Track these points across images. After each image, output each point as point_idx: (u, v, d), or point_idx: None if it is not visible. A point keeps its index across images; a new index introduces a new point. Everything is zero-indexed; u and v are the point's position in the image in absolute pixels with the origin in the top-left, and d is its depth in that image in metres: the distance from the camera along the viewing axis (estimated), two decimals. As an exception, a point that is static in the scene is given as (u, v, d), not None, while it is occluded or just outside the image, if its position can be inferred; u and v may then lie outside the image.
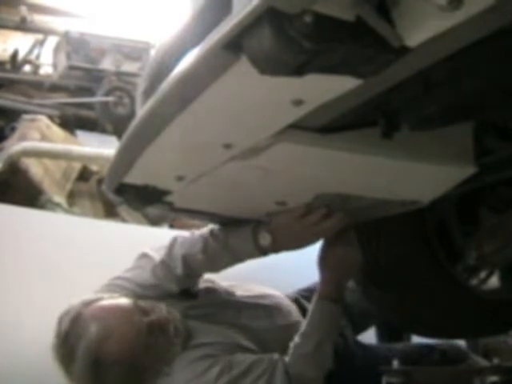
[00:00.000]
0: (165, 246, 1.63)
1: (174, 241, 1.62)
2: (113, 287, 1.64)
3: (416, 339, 2.12)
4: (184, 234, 1.64)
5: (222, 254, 1.56)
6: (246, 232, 1.52)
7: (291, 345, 1.57)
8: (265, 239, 1.50)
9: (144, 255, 1.67)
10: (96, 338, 1.44)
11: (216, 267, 1.64)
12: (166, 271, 1.59)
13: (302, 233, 1.47)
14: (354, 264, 1.57)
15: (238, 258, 1.58)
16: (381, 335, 2.23)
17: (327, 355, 1.57)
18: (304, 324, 1.59)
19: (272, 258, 1.62)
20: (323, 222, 1.45)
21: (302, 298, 1.88)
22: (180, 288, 1.63)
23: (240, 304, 1.73)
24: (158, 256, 1.62)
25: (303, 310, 1.79)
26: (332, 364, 1.58)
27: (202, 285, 1.71)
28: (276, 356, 1.57)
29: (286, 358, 1.56)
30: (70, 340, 1.47)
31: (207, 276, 1.71)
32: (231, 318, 1.66)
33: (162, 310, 1.55)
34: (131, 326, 1.48)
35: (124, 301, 1.53)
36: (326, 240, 1.56)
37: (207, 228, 1.60)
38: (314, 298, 1.59)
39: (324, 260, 1.58)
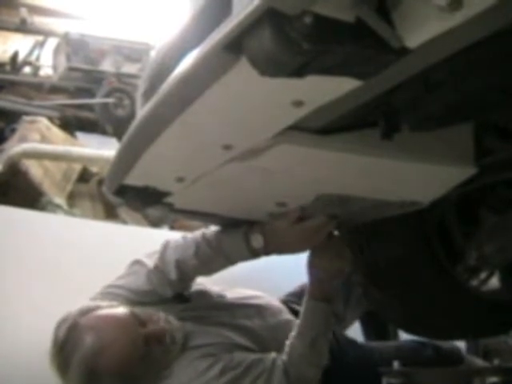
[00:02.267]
0: (157, 250, 1.63)
1: (166, 245, 1.62)
2: (107, 295, 1.64)
3: (405, 336, 2.12)
4: (176, 238, 1.64)
5: (215, 258, 1.56)
6: (239, 234, 1.51)
7: (287, 344, 1.58)
8: (257, 241, 1.49)
9: (136, 262, 1.66)
10: (91, 350, 1.43)
11: (209, 270, 1.64)
12: (160, 276, 1.59)
13: (295, 238, 1.47)
14: (343, 265, 1.59)
15: (231, 260, 1.58)
16: (366, 332, 2.23)
17: (323, 353, 1.59)
18: (296, 325, 1.60)
19: (261, 263, 1.63)
20: (317, 229, 1.46)
21: (290, 302, 1.90)
22: (174, 292, 1.63)
23: (232, 305, 1.74)
24: (151, 262, 1.61)
25: (293, 312, 1.80)
26: (328, 361, 1.59)
27: (193, 288, 1.71)
28: (275, 355, 1.57)
29: (284, 357, 1.56)
30: (65, 349, 1.47)
31: (198, 279, 1.72)
32: (226, 319, 1.66)
33: (160, 319, 1.54)
34: (127, 338, 1.47)
35: (122, 311, 1.52)
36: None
37: (199, 231, 1.60)
38: (305, 299, 1.61)
39: (313, 261, 1.59)
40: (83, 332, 1.46)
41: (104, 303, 1.56)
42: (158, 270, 1.59)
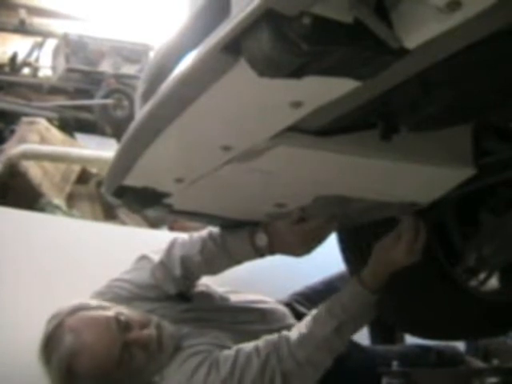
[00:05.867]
0: (164, 248, 1.64)
1: (173, 242, 1.64)
2: (112, 289, 1.65)
3: (410, 340, 2.12)
4: (183, 236, 1.66)
5: (219, 255, 1.57)
6: (243, 233, 1.53)
7: (307, 318, 1.50)
8: (261, 240, 1.51)
9: (143, 257, 1.68)
10: (68, 351, 1.46)
11: (213, 269, 1.64)
12: (165, 272, 1.61)
13: (295, 238, 1.48)
14: (405, 264, 1.45)
15: (235, 259, 1.59)
16: (374, 336, 2.23)
17: (343, 342, 1.49)
18: (328, 302, 1.50)
19: (266, 264, 1.62)
20: (316, 230, 1.47)
21: (295, 303, 1.89)
22: (178, 289, 1.63)
23: (235, 308, 1.73)
24: (157, 257, 1.63)
25: (297, 315, 1.79)
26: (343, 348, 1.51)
27: (197, 288, 1.71)
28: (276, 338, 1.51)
29: (292, 338, 1.49)
30: (48, 346, 1.50)
31: (202, 280, 1.72)
32: (226, 323, 1.66)
33: (150, 323, 1.54)
34: (103, 343, 1.47)
35: (106, 314, 1.51)
36: (400, 230, 1.45)
37: (206, 230, 1.61)
38: (351, 281, 1.49)
39: (385, 249, 1.46)
40: (65, 332, 1.48)
41: (95, 303, 1.56)
42: (163, 265, 1.61)
